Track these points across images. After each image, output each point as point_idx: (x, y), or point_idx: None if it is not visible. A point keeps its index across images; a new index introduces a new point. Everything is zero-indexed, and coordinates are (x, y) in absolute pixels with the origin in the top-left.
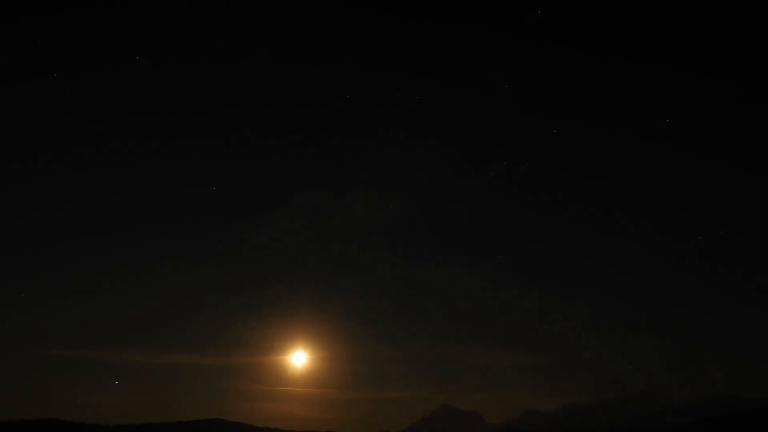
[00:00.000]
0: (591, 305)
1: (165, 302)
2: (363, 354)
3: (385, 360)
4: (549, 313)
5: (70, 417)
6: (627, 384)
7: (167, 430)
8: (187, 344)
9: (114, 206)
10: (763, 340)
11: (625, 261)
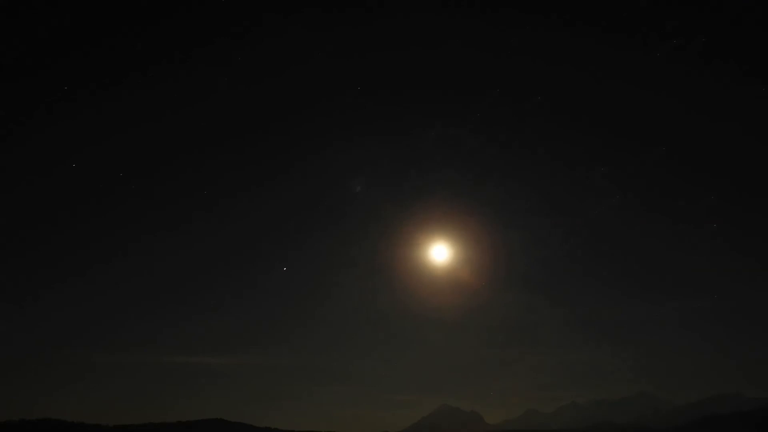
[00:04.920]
0: (591, 304)
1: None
2: (362, 356)
3: (387, 362)
4: (550, 313)
5: (70, 417)
6: (627, 384)
7: (167, 430)
8: (194, 344)
9: (110, 204)
10: (763, 340)
11: (626, 260)
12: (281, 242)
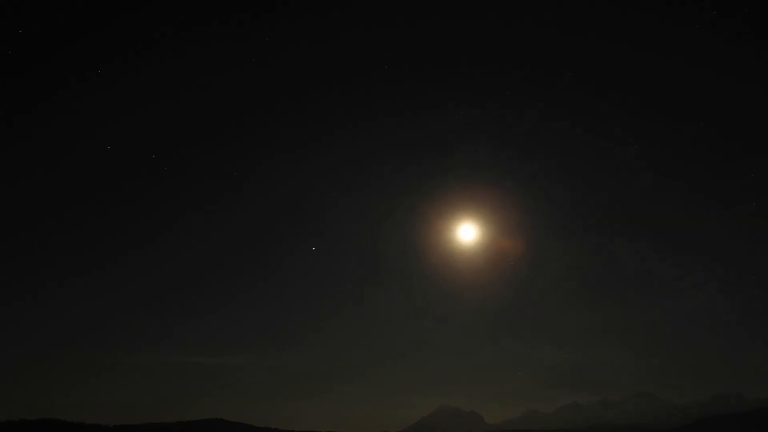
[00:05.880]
0: (592, 304)
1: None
2: (365, 359)
3: (388, 362)
4: (552, 314)
5: (70, 417)
6: (627, 384)
7: (167, 430)
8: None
9: (111, 205)
10: (763, 340)
11: (628, 258)
12: (281, 243)
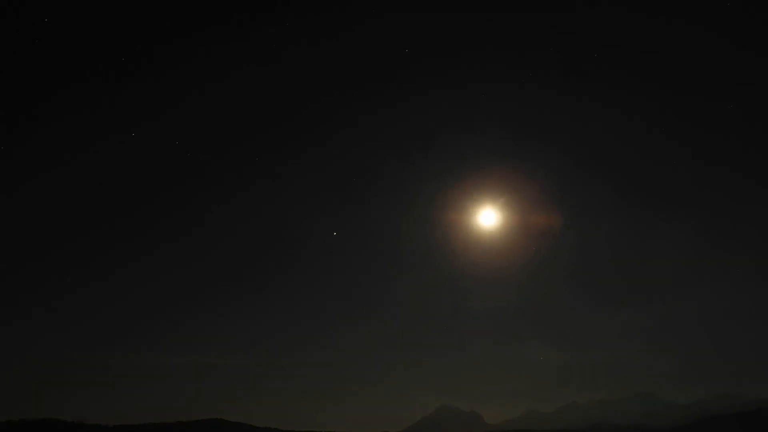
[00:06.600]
0: (592, 304)
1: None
2: (366, 355)
3: (387, 361)
4: (552, 314)
5: (70, 417)
6: (627, 384)
7: (167, 430)
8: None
9: (108, 203)
10: (763, 340)
11: (628, 258)
12: (280, 242)
